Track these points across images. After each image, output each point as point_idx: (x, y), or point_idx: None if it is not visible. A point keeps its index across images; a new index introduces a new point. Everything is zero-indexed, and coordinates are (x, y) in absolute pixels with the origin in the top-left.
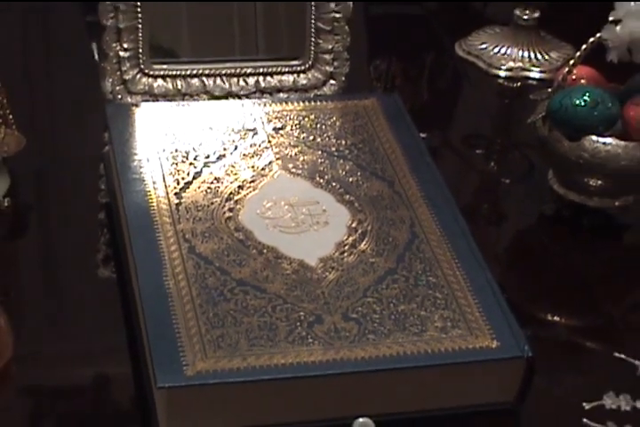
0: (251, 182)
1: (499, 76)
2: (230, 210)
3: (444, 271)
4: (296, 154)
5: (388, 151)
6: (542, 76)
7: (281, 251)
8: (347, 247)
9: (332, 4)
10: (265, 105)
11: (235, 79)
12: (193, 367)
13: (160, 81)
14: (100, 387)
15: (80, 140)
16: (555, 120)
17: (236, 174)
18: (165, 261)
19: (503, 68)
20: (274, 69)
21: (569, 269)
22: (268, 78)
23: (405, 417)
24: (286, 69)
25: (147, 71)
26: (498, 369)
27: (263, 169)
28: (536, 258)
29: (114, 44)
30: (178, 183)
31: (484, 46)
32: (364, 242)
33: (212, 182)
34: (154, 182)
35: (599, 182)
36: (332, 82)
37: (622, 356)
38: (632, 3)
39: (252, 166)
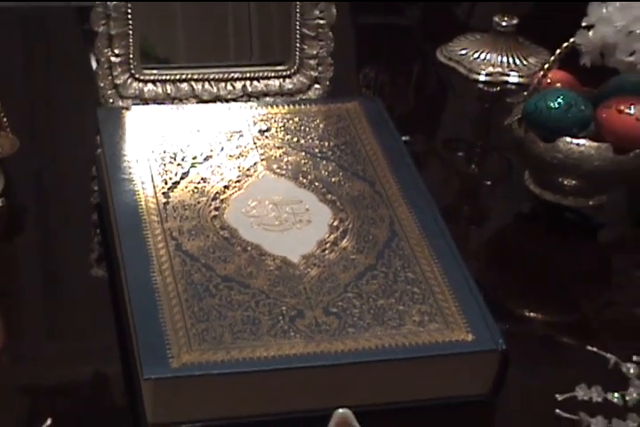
0: (236, 182)
1: (478, 81)
2: (216, 209)
3: (422, 268)
4: (280, 155)
5: (370, 153)
6: (520, 80)
7: (264, 248)
8: (328, 245)
9: (317, 11)
10: (251, 108)
11: (222, 84)
12: (178, 360)
13: (150, 85)
14: (93, 381)
15: (74, 143)
16: (530, 122)
17: (222, 174)
18: (153, 258)
19: (483, 72)
20: (260, 74)
21: (545, 268)
22: (255, 83)
23: (384, 408)
24: (272, 74)
25: (137, 76)
26: (473, 362)
27: (248, 169)
28: (513, 256)
29: (105, 50)
30: (166, 183)
31: (464, 52)
32: (345, 240)
33: (198, 182)
34: (142, 182)
35: (573, 182)
36: (316, 86)
37: (595, 349)
38: (604, 9)
39: (238, 167)
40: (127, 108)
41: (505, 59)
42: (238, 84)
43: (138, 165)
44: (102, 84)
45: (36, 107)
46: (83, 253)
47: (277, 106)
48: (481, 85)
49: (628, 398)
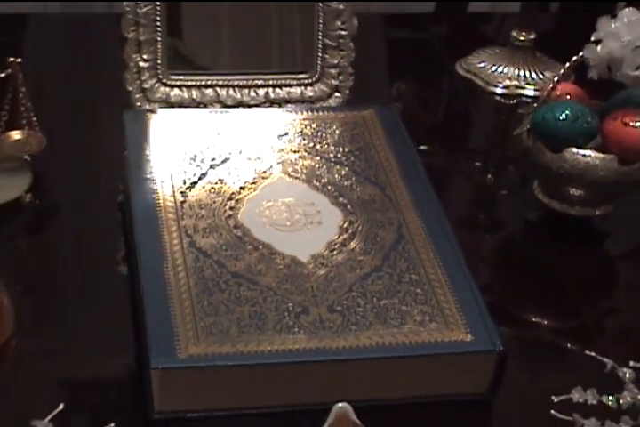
0: (252, 184)
1: (496, 93)
2: (231, 208)
3: (426, 270)
4: (296, 159)
5: (383, 159)
6: (536, 93)
7: (275, 247)
8: (337, 246)
9: (339, 23)
10: (270, 114)
11: (246, 90)
12: (185, 351)
13: (177, 90)
14: (107, 370)
15: (104, 144)
16: (538, 132)
17: (238, 176)
18: (167, 253)
19: (500, 85)
20: (283, 82)
21: (550, 274)
22: (278, 90)
23: (382, 404)
24: (294, 82)
25: (164, 81)
26: (471, 361)
27: (264, 172)
28: (520, 262)
29: (134, 55)
30: (184, 183)
31: (482, 65)
32: (353, 241)
33: (216, 183)
34: (162, 182)
35: (579, 192)
36: (336, 94)
37: (592, 354)
38: (612, 24)
39: (255, 169)
40: (152, 111)
41: (522, 72)
42: (261, 91)
43: (159, 166)
44: (131, 88)
45: (69, 108)
46: (105, 248)
47: (296, 112)
48: (498, 98)
49: (622, 401)
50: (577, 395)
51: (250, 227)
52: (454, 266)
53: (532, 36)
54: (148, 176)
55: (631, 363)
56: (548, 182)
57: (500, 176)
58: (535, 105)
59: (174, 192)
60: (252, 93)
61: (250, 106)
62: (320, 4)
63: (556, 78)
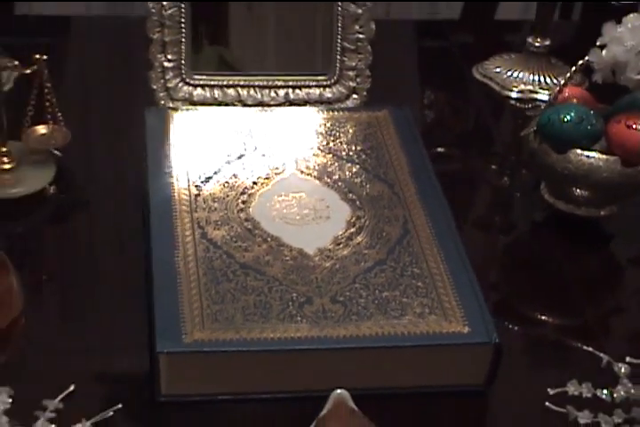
0: (265, 179)
1: (510, 98)
2: (243, 202)
3: (428, 264)
4: (309, 156)
5: (393, 158)
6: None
7: (283, 240)
8: (343, 240)
9: (357, 26)
10: (287, 113)
11: (267, 90)
12: (190, 336)
13: (199, 90)
14: (118, 354)
15: (128, 139)
16: (543, 134)
17: (252, 172)
18: (179, 244)
19: (515, 90)
20: (302, 83)
21: (556, 274)
22: (297, 91)
23: (381, 393)
24: (313, 83)
25: (188, 80)
26: (468, 353)
27: (277, 168)
28: (526, 262)
29: (159, 56)
30: (199, 178)
31: (498, 70)
32: (359, 235)
33: (230, 178)
34: (178, 176)
35: (584, 193)
36: (354, 96)
37: (590, 349)
38: (617, 29)
39: (268, 165)
40: (174, 109)
41: (536, 77)
42: (281, 92)
43: (176, 160)
44: (155, 87)
45: (95, 105)
46: (126, 239)
47: (312, 112)
48: (512, 102)
49: (615, 394)
50: (572, 388)
51: (260, 220)
52: (457, 261)
53: (547, 43)
54: (166, 170)
55: (627, 358)
56: (553, 183)
57: (514, 179)
58: (542, 107)
59: (189, 186)
60: (273, 94)
61: (270, 106)
62: (339, 9)
63: (562, 81)
